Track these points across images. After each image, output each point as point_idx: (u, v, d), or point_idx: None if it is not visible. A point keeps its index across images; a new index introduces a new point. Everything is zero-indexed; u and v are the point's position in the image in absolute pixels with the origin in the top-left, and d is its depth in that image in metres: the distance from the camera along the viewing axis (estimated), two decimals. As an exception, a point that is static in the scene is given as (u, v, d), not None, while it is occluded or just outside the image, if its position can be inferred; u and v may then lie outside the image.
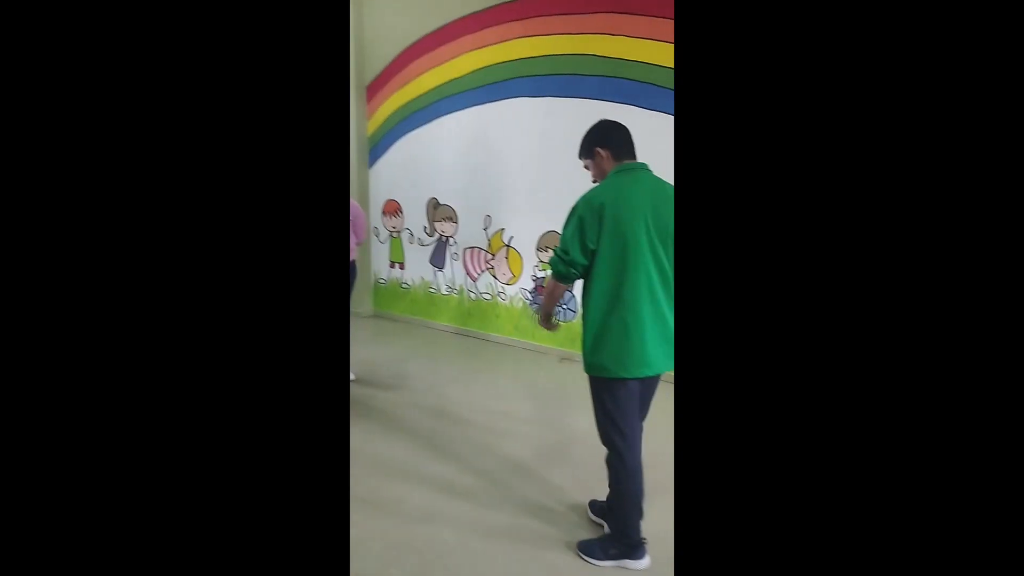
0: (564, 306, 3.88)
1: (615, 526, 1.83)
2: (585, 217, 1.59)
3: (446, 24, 4.05)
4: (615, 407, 1.70)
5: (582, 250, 1.62)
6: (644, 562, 1.80)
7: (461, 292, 4.39)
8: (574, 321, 3.84)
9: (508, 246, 4.05)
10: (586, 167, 1.79)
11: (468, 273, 4.32)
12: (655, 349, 1.64)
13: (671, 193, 1.63)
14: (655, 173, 1.70)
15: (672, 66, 3.22)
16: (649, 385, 1.77)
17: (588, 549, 1.85)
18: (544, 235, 3.86)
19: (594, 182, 1.75)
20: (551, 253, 3.22)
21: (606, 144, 1.72)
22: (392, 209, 4.66)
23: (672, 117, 3.23)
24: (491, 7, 3.83)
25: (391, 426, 2.80)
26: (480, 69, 3.96)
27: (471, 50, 3.97)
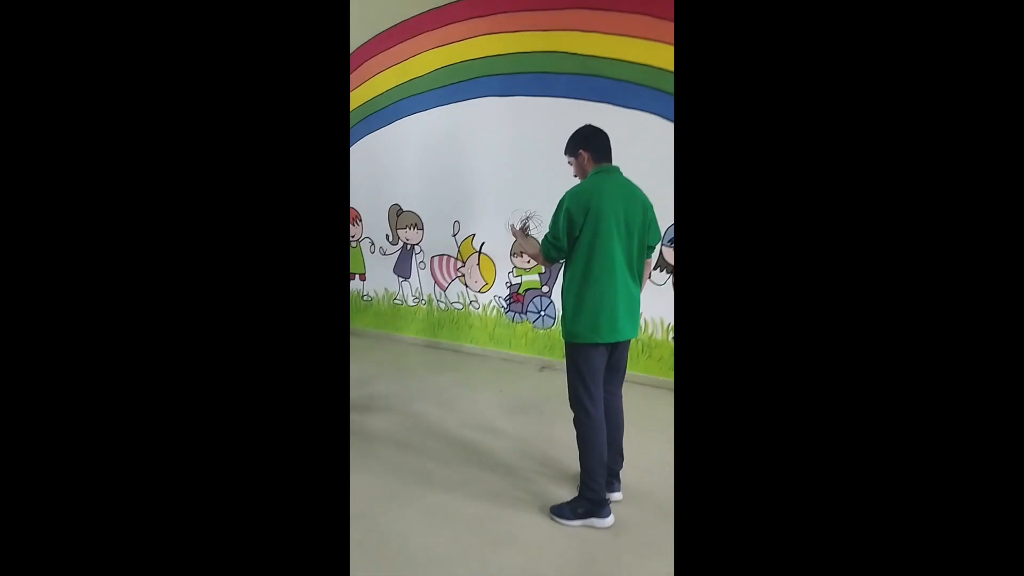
0: (543, 313, 3.73)
1: (582, 484, 2.02)
2: (572, 210, 1.91)
3: (403, 21, 3.84)
4: (587, 369, 1.97)
5: (568, 238, 1.94)
6: (609, 520, 2.01)
7: (430, 302, 4.18)
8: (552, 328, 3.71)
9: (479, 252, 3.88)
10: (570, 163, 2.08)
11: (437, 282, 4.11)
12: (624, 319, 1.95)
13: (637, 192, 1.98)
14: (630, 171, 2.04)
15: (648, 63, 3.15)
16: (621, 351, 2.06)
17: (559, 511, 2.05)
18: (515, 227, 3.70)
19: (575, 176, 2.08)
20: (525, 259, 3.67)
21: (588, 147, 2.01)
22: (350, 217, 4.38)
23: (649, 115, 3.17)
24: (452, 3, 3.66)
25: (363, 452, 2.56)
26: (443, 67, 3.77)
27: (432, 48, 3.78)
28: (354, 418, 2.92)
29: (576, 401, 2.00)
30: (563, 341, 2.02)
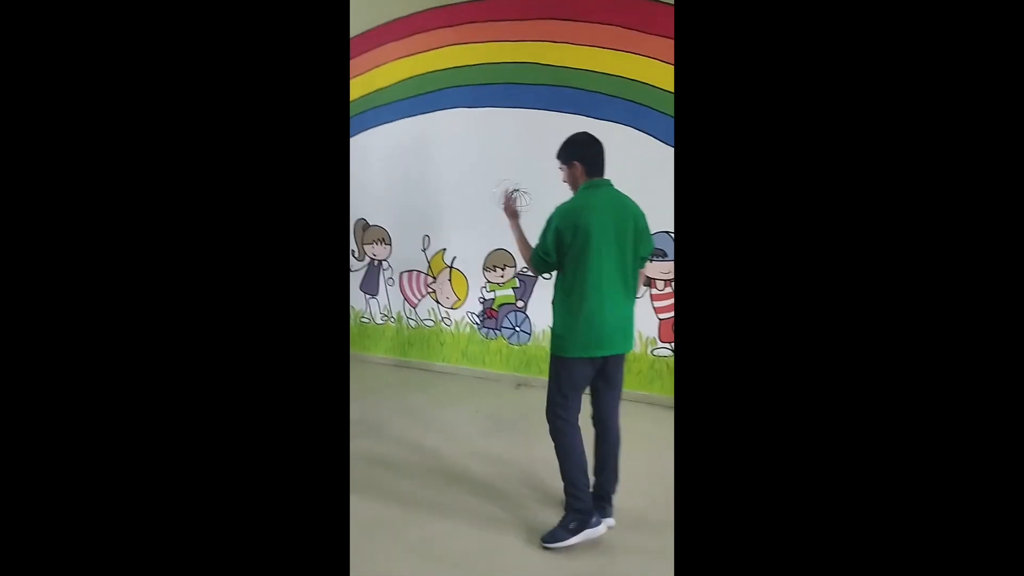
0: (518, 328, 3.64)
1: (568, 497, 1.97)
2: (561, 228, 1.87)
3: (367, 31, 3.73)
4: (568, 381, 1.94)
5: (558, 252, 1.91)
6: (601, 527, 1.96)
7: (399, 320, 4.03)
8: (528, 344, 3.62)
9: (451, 267, 3.76)
10: (560, 169, 2.00)
11: (406, 299, 3.97)
12: (614, 333, 1.91)
13: (628, 203, 1.94)
14: (615, 186, 1.98)
15: (620, 74, 3.13)
16: (614, 365, 1.99)
17: (551, 537, 1.95)
18: (492, 253, 3.61)
19: (564, 182, 2.01)
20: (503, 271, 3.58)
21: (583, 159, 1.95)
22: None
23: (621, 126, 3.14)
24: (416, 13, 3.57)
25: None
26: (410, 78, 3.67)
27: (398, 58, 3.68)
28: (324, 446, 2.75)
29: (551, 411, 1.98)
30: (549, 354, 1.98)
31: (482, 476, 2.46)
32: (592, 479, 2.02)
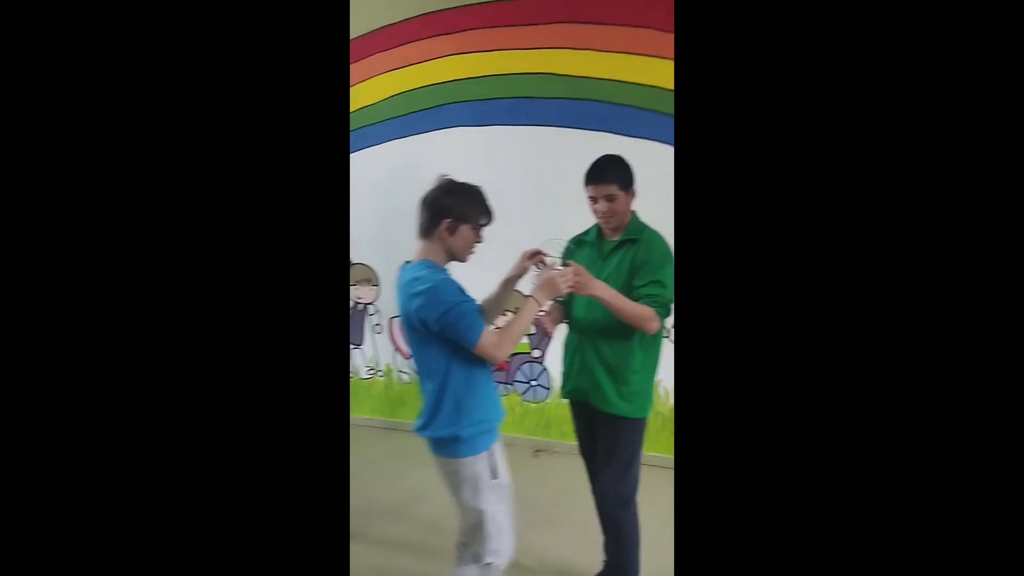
0: (534, 382, 3.09)
1: None
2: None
3: (350, 40, 3.23)
4: (640, 451, 1.69)
5: None
6: None
7: (388, 374, 3.43)
8: (547, 401, 3.06)
9: (451, 312, 3.22)
10: (594, 198, 1.59)
11: (397, 348, 3.38)
12: None
13: None
14: (639, 211, 1.71)
15: (653, 83, 2.69)
16: None
17: None
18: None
19: (602, 215, 1.62)
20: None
21: (632, 185, 1.62)
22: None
23: (656, 143, 2.68)
24: (407, 20, 3.10)
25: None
26: (399, 94, 3.17)
27: (385, 71, 3.19)
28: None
29: (626, 495, 1.68)
30: (618, 416, 1.62)
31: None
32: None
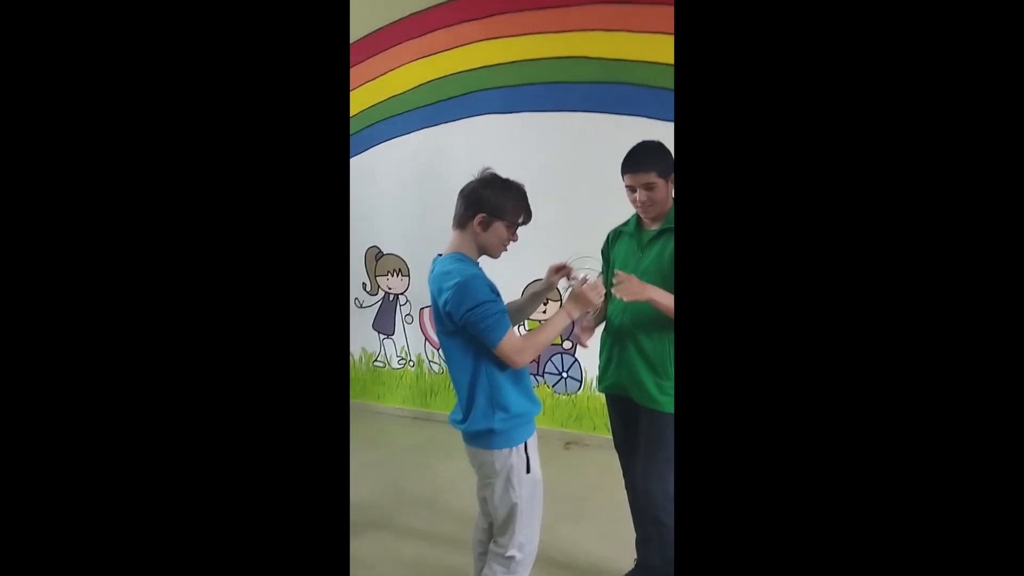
0: (565, 374, 3.04)
1: None
2: None
3: (377, 30, 3.21)
4: None
5: None
6: None
7: (419, 364, 3.43)
8: (578, 394, 3.01)
9: (481, 302, 3.19)
10: (632, 187, 1.52)
11: (428, 338, 3.38)
12: None
13: None
14: None
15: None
16: None
17: None
18: (531, 284, 3.02)
19: (640, 204, 1.53)
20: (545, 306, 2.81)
21: (672, 172, 1.53)
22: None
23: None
24: (433, 7, 3.05)
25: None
26: (429, 82, 3.14)
27: (414, 59, 3.15)
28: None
29: (666, 493, 1.55)
30: (660, 411, 1.54)
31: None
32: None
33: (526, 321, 3.07)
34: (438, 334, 1.41)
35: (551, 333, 1.34)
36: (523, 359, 1.31)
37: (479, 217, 1.36)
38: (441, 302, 1.33)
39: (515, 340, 1.30)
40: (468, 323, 1.29)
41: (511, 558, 1.40)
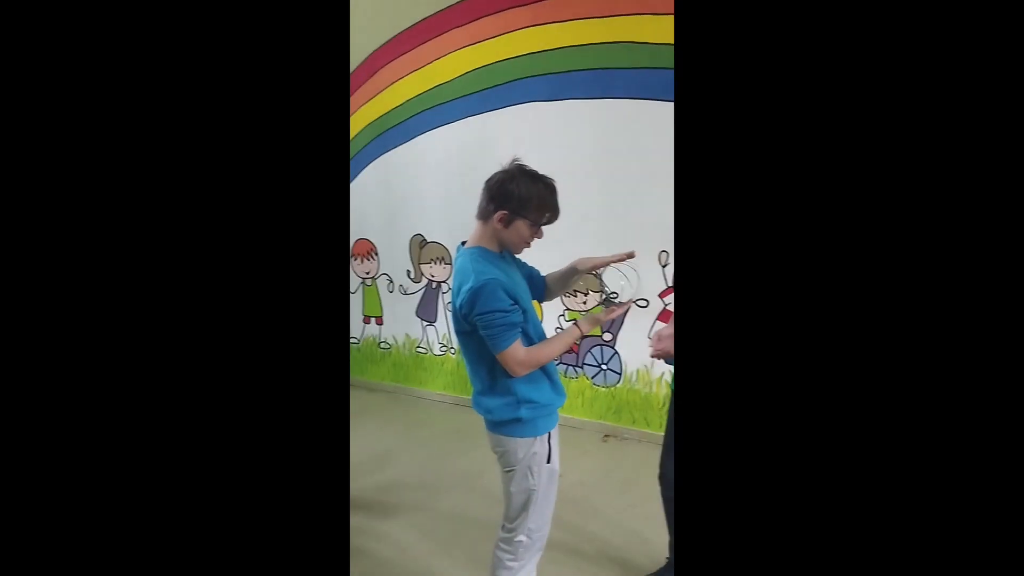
0: (604, 366, 3.00)
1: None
2: None
3: (425, 18, 3.22)
4: None
5: None
6: None
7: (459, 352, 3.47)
8: (618, 387, 2.97)
9: (522, 291, 3.18)
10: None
11: (469, 327, 3.41)
12: None
13: None
14: None
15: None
16: None
17: None
18: (582, 259, 3.00)
19: None
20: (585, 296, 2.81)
21: None
22: (363, 251, 3.72)
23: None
24: (485, -7, 3.03)
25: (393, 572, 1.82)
26: (475, 70, 3.14)
27: (462, 47, 3.15)
28: (361, 521, 2.18)
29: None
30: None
31: (576, 557, 1.82)
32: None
33: (566, 311, 3.04)
34: (456, 332, 1.41)
35: (557, 349, 1.35)
36: (523, 371, 1.31)
37: (500, 214, 1.33)
38: (457, 304, 1.33)
39: (518, 352, 1.29)
40: (477, 327, 1.29)
41: (520, 542, 1.40)
